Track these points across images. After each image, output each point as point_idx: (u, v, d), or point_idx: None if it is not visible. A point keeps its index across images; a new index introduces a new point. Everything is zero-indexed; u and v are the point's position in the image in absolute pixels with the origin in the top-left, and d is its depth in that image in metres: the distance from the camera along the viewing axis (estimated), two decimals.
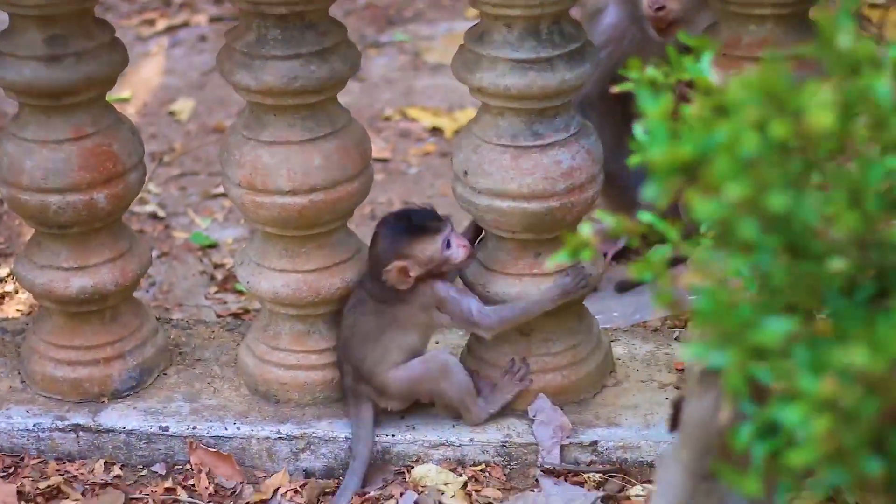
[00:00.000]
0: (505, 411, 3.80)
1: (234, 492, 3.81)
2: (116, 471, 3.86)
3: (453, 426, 3.82)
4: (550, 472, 3.74)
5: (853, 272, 2.23)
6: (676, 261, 4.41)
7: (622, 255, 4.68)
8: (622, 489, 3.70)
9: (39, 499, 3.76)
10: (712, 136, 2.07)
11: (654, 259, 2.35)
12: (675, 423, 2.94)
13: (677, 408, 2.93)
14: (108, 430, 3.90)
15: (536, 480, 3.73)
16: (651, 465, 3.71)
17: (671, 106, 2.20)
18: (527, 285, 3.74)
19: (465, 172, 3.72)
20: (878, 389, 1.95)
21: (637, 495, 3.66)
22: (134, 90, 6.03)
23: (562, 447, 3.74)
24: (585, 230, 2.43)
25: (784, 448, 2.15)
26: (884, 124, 2.14)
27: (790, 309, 2.17)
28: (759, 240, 2.08)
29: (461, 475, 3.77)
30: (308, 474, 3.84)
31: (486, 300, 3.81)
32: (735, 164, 2.02)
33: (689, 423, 2.93)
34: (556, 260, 2.40)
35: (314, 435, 3.84)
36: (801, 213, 2.04)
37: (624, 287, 4.55)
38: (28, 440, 3.91)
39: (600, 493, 3.69)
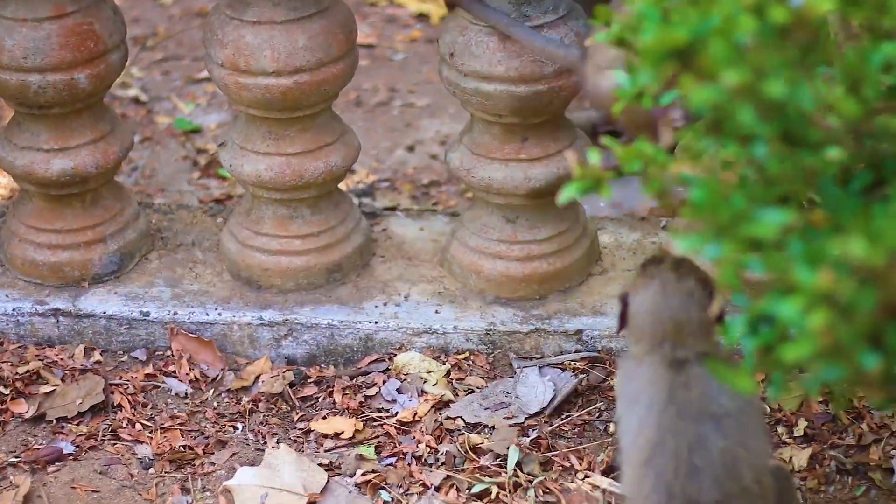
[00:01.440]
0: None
1: (215, 378, 3.78)
2: (97, 356, 3.82)
3: (437, 313, 3.78)
4: (531, 358, 3.72)
5: (849, 162, 2.19)
6: None
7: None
8: (605, 378, 3.67)
9: (18, 384, 3.72)
10: (707, 20, 2.01)
11: (643, 148, 2.30)
12: (623, 319, 2.91)
13: (625, 303, 2.91)
14: (88, 315, 3.86)
15: (516, 367, 3.70)
16: None
17: None
18: (513, 170, 3.69)
19: (452, 54, 3.66)
20: (875, 282, 1.90)
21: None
22: None
23: (546, 335, 3.72)
24: (595, 159, 2.36)
25: (776, 343, 2.11)
26: (886, 8, 2.08)
27: (785, 200, 2.13)
28: (756, 128, 2.02)
29: (444, 363, 3.74)
30: (290, 361, 3.81)
31: (472, 187, 3.76)
32: (731, 50, 1.95)
33: (638, 315, 2.91)
34: (569, 193, 2.31)
35: (296, 321, 3.80)
36: (799, 100, 1.98)
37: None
38: (7, 325, 3.87)
39: (581, 378, 3.66)
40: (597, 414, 3.61)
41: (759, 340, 2.18)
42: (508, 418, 3.59)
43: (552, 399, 3.63)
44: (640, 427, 2.92)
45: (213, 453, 3.58)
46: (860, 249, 1.83)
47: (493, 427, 3.57)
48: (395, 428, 3.59)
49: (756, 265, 2.06)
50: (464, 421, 3.59)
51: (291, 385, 3.74)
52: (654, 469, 2.91)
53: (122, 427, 3.63)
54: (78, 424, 3.64)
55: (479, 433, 3.56)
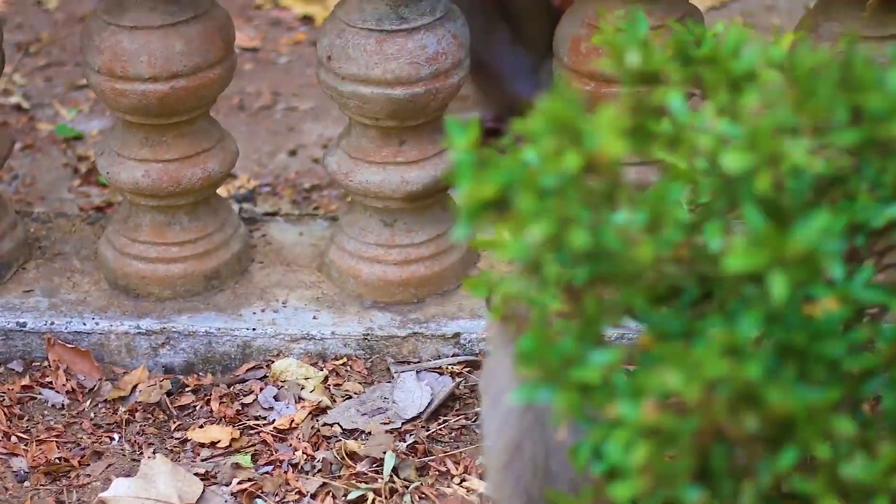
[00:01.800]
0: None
1: (93, 389, 3.73)
2: None
3: (315, 318, 3.76)
4: (409, 362, 3.71)
5: (672, 282, 2.24)
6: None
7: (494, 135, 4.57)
8: (476, 381, 3.67)
9: None
10: (513, 172, 2.05)
11: (489, 276, 2.34)
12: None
13: (488, 299, 2.88)
14: None
15: (393, 372, 3.69)
16: None
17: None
18: (390, 173, 3.68)
19: (329, 58, 3.64)
20: (695, 413, 1.96)
21: None
22: None
23: (423, 338, 3.71)
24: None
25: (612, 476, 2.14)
26: (679, 140, 2.13)
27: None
28: (567, 275, 2.07)
29: (322, 369, 3.71)
30: (168, 370, 3.77)
31: (350, 190, 3.74)
32: (536, 202, 1.99)
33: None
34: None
35: (174, 329, 3.76)
36: (606, 243, 2.02)
37: None
38: None
39: (458, 381, 3.66)
40: (474, 418, 3.60)
41: (603, 466, 2.22)
42: (385, 424, 3.57)
43: (429, 403, 3.62)
44: (500, 429, 2.92)
45: (88, 465, 3.53)
46: (676, 383, 1.87)
47: (369, 433, 3.55)
48: (272, 435, 3.56)
49: (588, 406, 2.12)
50: (341, 427, 3.57)
51: (169, 394, 3.70)
52: (513, 472, 2.91)
53: None
54: None
55: (355, 439, 3.54)
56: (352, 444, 3.51)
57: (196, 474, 3.45)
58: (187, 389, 3.70)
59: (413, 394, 3.63)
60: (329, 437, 3.55)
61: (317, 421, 3.60)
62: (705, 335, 1.96)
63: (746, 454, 2.02)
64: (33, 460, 3.52)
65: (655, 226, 2.03)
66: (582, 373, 2.02)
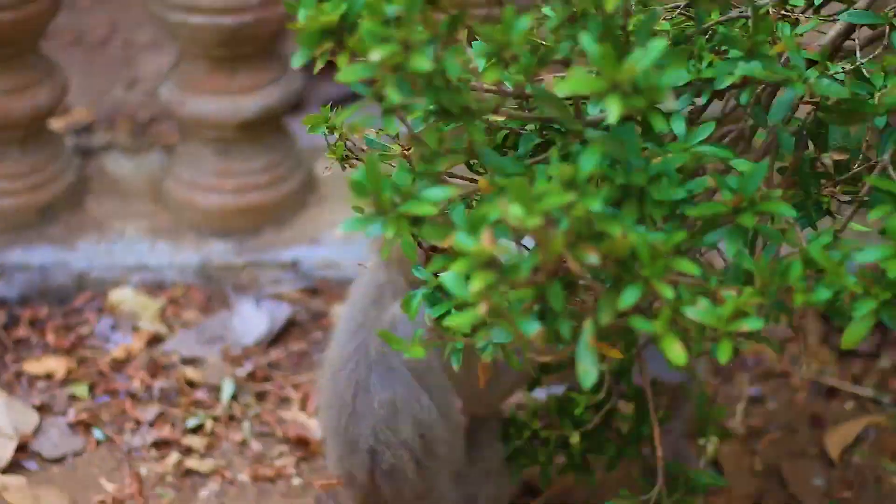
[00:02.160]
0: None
1: None
2: None
3: (152, 248, 3.74)
4: (248, 290, 3.71)
5: (517, 126, 2.25)
6: None
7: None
8: (321, 308, 3.69)
9: None
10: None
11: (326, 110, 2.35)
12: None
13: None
14: None
15: (232, 300, 3.70)
16: (351, 283, 3.69)
17: None
18: (223, 102, 3.66)
19: None
20: (536, 245, 1.97)
21: (336, 313, 3.66)
22: None
23: (261, 266, 3.71)
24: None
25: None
26: None
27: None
28: (410, 102, 2.05)
29: (159, 299, 3.70)
30: (2, 303, 3.72)
31: (182, 121, 3.72)
32: (378, 27, 1.98)
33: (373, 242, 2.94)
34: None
35: (8, 262, 3.72)
36: (449, 70, 2.02)
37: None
38: None
39: (297, 309, 3.67)
40: (313, 344, 3.62)
41: (437, 311, 2.24)
42: (224, 351, 3.57)
43: (268, 331, 3.62)
44: (330, 363, 2.96)
45: None
46: (517, 213, 1.87)
47: (208, 361, 3.55)
48: (109, 366, 3.55)
49: (423, 234, 2.12)
50: (179, 356, 3.57)
51: (4, 327, 3.66)
52: (328, 408, 2.96)
53: None
54: None
55: (194, 367, 3.54)
56: (190, 372, 3.51)
57: (32, 406, 3.43)
58: (23, 322, 3.67)
59: (252, 321, 3.64)
60: (167, 366, 3.55)
61: (154, 350, 3.59)
62: (545, 172, 1.97)
63: (589, 294, 2.05)
64: None
65: (500, 55, 2.03)
66: (416, 207, 2.01)
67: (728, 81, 2.22)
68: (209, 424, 3.40)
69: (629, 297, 1.98)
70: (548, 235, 1.91)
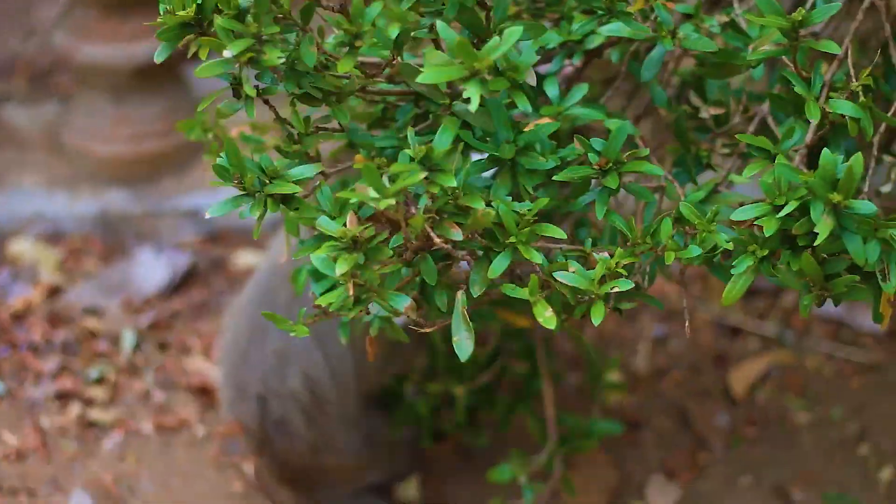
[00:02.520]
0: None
1: None
2: None
3: (49, 199, 3.69)
4: (147, 239, 3.67)
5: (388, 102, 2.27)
6: None
7: None
8: (223, 255, 3.66)
9: None
10: None
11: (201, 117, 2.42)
12: None
13: None
14: None
15: (131, 249, 3.66)
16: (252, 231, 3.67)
17: None
18: (116, 49, 3.61)
19: None
20: (393, 225, 2.01)
21: (238, 262, 3.63)
22: None
23: (161, 215, 3.67)
24: None
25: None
26: None
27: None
28: (272, 90, 2.09)
29: (59, 249, 3.65)
30: None
31: (77, 68, 3.67)
32: (233, 22, 2.00)
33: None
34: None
35: None
36: (304, 59, 2.05)
37: None
38: None
39: (198, 258, 3.64)
40: (215, 293, 3.59)
41: (320, 287, 2.24)
42: (125, 301, 3.54)
43: (169, 280, 3.59)
44: (237, 305, 2.94)
45: None
46: (373, 195, 1.91)
47: (109, 311, 3.51)
48: (9, 318, 3.50)
49: (293, 218, 2.17)
50: (80, 306, 3.53)
51: None
52: (225, 351, 2.94)
53: None
54: None
55: (95, 318, 3.50)
56: (91, 323, 3.47)
57: None
58: None
59: (152, 270, 3.60)
60: (68, 317, 3.51)
61: (55, 301, 3.54)
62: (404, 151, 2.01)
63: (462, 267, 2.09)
64: None
65: (354, 43, 2.05)
66: (282, 187, 2.05)
67: (596, 42, 2.22)
68: (111, 375, 3.37)
69: (499, 266, 2.02)
70: (408, 214, 1.95)
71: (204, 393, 3.33)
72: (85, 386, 3.35)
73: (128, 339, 3.43)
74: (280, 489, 3.09)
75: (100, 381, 3.36)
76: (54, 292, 3.57)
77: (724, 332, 3.56)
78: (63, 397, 3.33)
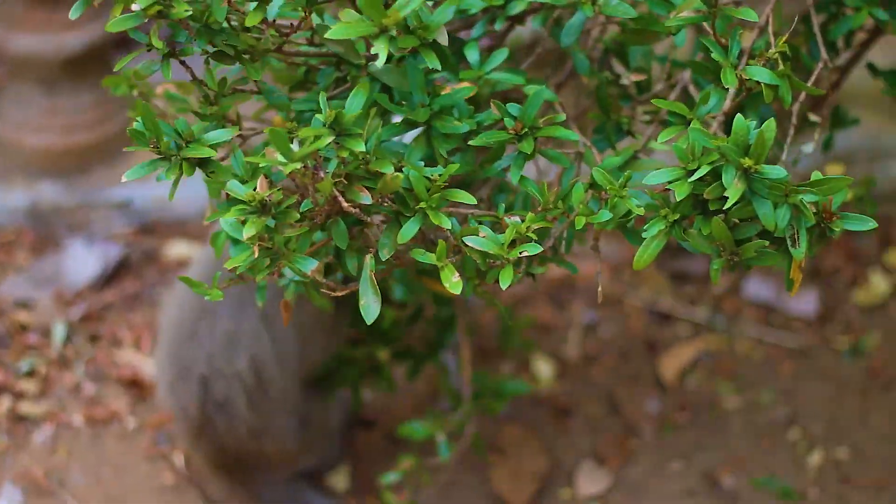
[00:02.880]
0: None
1: None
2: None
3: None
4: (79, 231, 3.66)
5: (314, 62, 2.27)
6: None
7: None
8: (155, 246, 3.65)
9: None
10: None
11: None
12: None
13: None
14: None
15: (63, 242, 3.65)
16: (186, 222, 3.66)
17: None
18: (46, 40, 3.59)
19: None
20: (303, 189, 2.03)
21: (170, 253, 3.63)
22: None
23: (93, 207, 3.66)
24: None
25: None
26: None
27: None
28: (187, 45, 2.10)
29: None
30: None
31: (8, 59, 3.64)
32: None
33: None
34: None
35: None
36: (215, 14, 2.05)
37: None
38: None
39: (130, 249, 3.63)
40: (147, 284, 3.58)
41: (237, 251, 2.25)
42: (56, 294, 3.53)
43: (101, 272, 3.58)
44: (181, 288, 2.94)
45: None
46: (280, 159, 1.93)
47: (40, 303, 3.50)
48: None
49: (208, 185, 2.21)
50: (10, 299, 3.51)
51: None
52: (167, 331, 2.94)
53: None
54: None
55: (26, 310, 3.49)
56: (22, 316, 3.46)
57: None
58: None
59: (84, 262, 3.59)
60: None
61: None
62: (312, 119, 2.03)
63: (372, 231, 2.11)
64: None
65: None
66: (197, 150, 2.05)
67: (519, 8, 2.23)
68: (42, 368, 3.36)
69: (408, 230, 2.04)
70: (316, 178, 1.97)
71: (135, 385, 3.33)
72: (15, 379, 3.33)
73: (59, 331, 3.43)
74: (211, 480, 3.09)
75: (30, 374, 3.35)
76: None
77: (655, 318, 3.58)
78: None
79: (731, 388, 3.41)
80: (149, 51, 2.08)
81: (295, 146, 1.93)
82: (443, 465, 2.99)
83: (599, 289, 2.14)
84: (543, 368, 3.43)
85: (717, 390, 3.41)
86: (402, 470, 2.94)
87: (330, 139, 1.94)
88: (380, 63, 1.91)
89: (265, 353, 2.88)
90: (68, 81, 3.67)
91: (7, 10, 3.61)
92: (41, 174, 3.71)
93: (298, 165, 1.92)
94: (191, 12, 2.01)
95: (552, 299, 3.57)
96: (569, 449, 3.29)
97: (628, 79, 2.37)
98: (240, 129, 2.16)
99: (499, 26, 2.26)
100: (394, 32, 1.94)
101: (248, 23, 2.04)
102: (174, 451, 3.19)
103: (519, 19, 2.29)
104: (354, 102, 2.02)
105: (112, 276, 3.60)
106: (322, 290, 2.15)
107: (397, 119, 2.15)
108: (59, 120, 3.69)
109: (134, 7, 1.98)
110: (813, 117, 2.37)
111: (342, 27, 1.93)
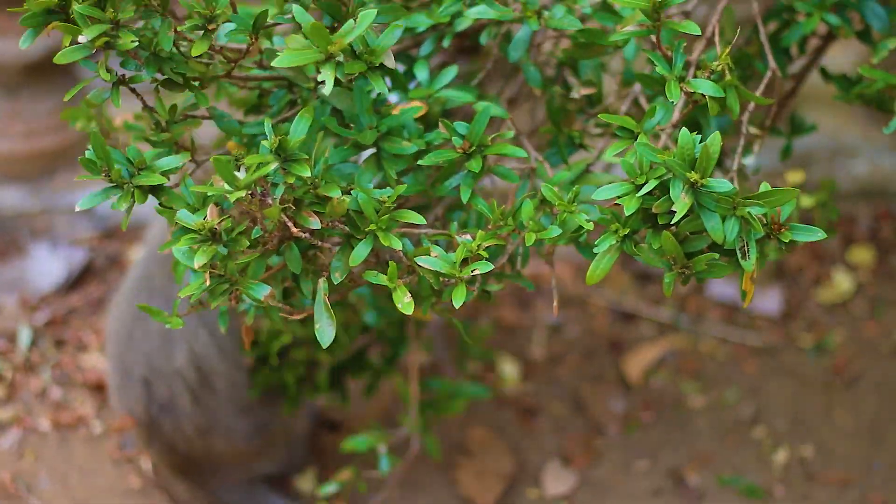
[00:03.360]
0: None
1: None
2: None
3: None
4: (43, 236, 3.66)
5: (268, 85, 2.28)
6: None
7: None
8: (119, 251, 3.65)
9: None
10: None
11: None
12: None
13: None
14: None
15: (27, 247, 3.64)
16: (145, 226, 3.66)
17: None
18: (7, 44, 3.59)
19: None
20: (249, 217, 2.05)
21: (134, 258, 3.63)
22: None
23: (56, 212, 3.66)
24: None
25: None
26: None
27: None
28: (138, 78, 2.12)
29: None
30: None
31: None
32: (90, 8, 2.03)
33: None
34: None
35: None
36: (161, 44, 2.07)
37: None
38: None
39: (95, 254, 3.63)
40: (111, 289, 3.58)
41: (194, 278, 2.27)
42: (20, 299, 3.53)
43: (66, 276, 3.58)
44: (119, 294, 2.94)
45: None
46: (226, 188, 1.95)
47: (4, 308, 3.50)
48: None
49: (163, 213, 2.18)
50: None
51: None
52: (110, 339, 2.95)
53: None
54: None
55: None
56: None
57: None
58: None
59: (48, 267, 3.59)
60: None
61: None
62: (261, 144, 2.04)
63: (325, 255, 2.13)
64: None
65: (208, 26, 2.07)
66: (149, 178, 2.07)
67: (464, 24, 2.24)
68: (8, 373, 3.36)
69: (359, 253, 2.05)
70: (264, 205, 1.98)
71: (100, 389, 3.33)
72: None
73: (24, 336, 3.42)
74: (177, 483, 3.09)
75: None
76: None
77: (620, 317, 3.59)
78: None
79: (696, 387, 3.43)
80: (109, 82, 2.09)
81: (242, 173, 1.94)
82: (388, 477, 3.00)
83: (556, 302, 2.16)
84: (508, 369, 3.44)
85: (682, 389, 3.42)
86: (340, 481, 2.95)
87: (275, 165, 1.95)
88: (327, 90, 1.92)
89: (204, 346, 2.89)
90: (29, 87, 3.66)
91: None
92: (3, 179, 3.70)
93: (244, 193, 1.93)
94: (137, 43, 2.02)
95: (517, 300, 3.58)
96: (535, 449, 3.30)
97: (578, 92, 2.37)
98: (192, 156, 2.17)
99: (446, 44, 2.27)
100: (340, 58, 1.95)
101: (195, 52, 2.05)
102: (140, 454, 3.19)
103: (466, 36, 2.30)
104: (299, 127, 2.03)
105: (77, 280, 3.60)
106: (280, 314, 2.17)
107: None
108: (21, 125, 3.68)
109: (81, 39, 1.99)
110: (753, 130, 2.37)
111: (289, 54, 1.94)
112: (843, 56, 2.82)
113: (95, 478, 3.17)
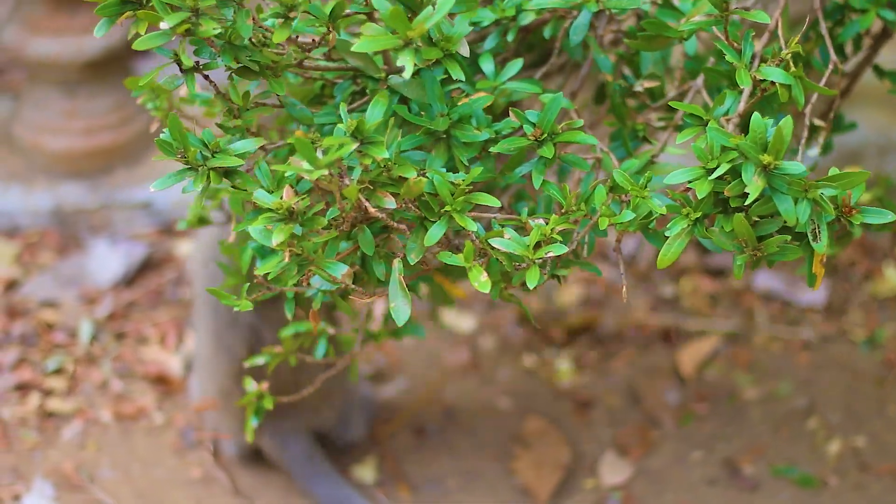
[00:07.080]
0: None
1: None
2: None
3: (4, 193, 3.71)
4: (102, 232, 3.70)
5: (330, 76, 2.31)
6: None
7: None
8: (175, 247, 3.69)
9: None
10: None
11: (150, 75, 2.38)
12: None
13: None
14: None
15: (86, 242, 3.68)
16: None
17: None
18: (66, 43, 3.63)
19: None
20: (329, 196, 2.07)
21: (183, 252, 3.67)
22: None
23: (115, 208, 3.70)
24: None
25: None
26: None
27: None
28: (213, 65, 2.13)
29: (15, 243, 3.67)
30: None
31: (28, 63, 3.68)
32: None
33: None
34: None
35: None
36: (241, 31, 2.09)
37: None
38: None
39: (152, 249, 3.67)
40: (169, 283, 3.62)
41: (265, 264, 2.29)
42: (81, 293, 3.57)
43: (124, 271, 3.62)
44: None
45: None
46: (306, 167, 1.96)
47: (65, 303, 3.54)
48: None
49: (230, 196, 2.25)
50: (36, 299, 3.56)
51: None
52: (204, 319, 2.98)
53: None
54: None
55: (52, 310, 3.53)
56: (48, 315, 3.50)
57: None
58: None
59: (107, 262, 3.63)
60: (25, 310, 3.53)
61: (12, 294, 3.57)
62: (333, 130, 2.06)
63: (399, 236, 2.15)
64: None
65: (289, 14, 2.10)
66: (224, 160, 2.08)
67: (529, 18, 2.27)
68: (69, 366, 3.40)
69: (435, 233, 2.08)
70: (342, 185, 2.01)
71: (161, 381, 3.37)
72: (43, 377, 3.38)
73: (85, 329, 3.47)
74: (240, 473, 3.11)
75: (58, 371, 3.39)
76: (11, 286, 3.60)
77: (672, 310, 3.61)
78: (22, 388, 3.36)
79: (749, 379, 3.44)
80: (183, 69, 2.11)
81: (319, 155, 1.97)
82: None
83: (624, 289, 2.18)
84: (563, 362, 3.47)
85: (736, 381, 3.44)
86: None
87: (353, 146, 1.98)
88: (407, 74, 1.95)
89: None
90: (88, 84, 3.71)
91: (27, 15, 3.65)
92: (63, 176, 3.75)
93: (324, 172, 1.95)
94: (219, 30, 2.05)
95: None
96: (591, 440, 3.32)
97: (641, 85, 2.39)
98: (264, 141, 2.19)
99: (511, 38, 2.30)
100: (418, 44, 1.97)
101: (276, 39, 2.07)
102: (201, 445, 3.22)
103: (530, 30, 2.33)
104: (374, 111, 2.05)
105: (135, 275, 3.64)
106: (351, 296, 2.19)
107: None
108: (79, 122, 3.73)
109: (163, 25, 2.01)
110: (817, 122, 2.39)
111: (368, 40, 1.96)
112: (891, 53, 2.84)
113: (156, 468, 3.21)
